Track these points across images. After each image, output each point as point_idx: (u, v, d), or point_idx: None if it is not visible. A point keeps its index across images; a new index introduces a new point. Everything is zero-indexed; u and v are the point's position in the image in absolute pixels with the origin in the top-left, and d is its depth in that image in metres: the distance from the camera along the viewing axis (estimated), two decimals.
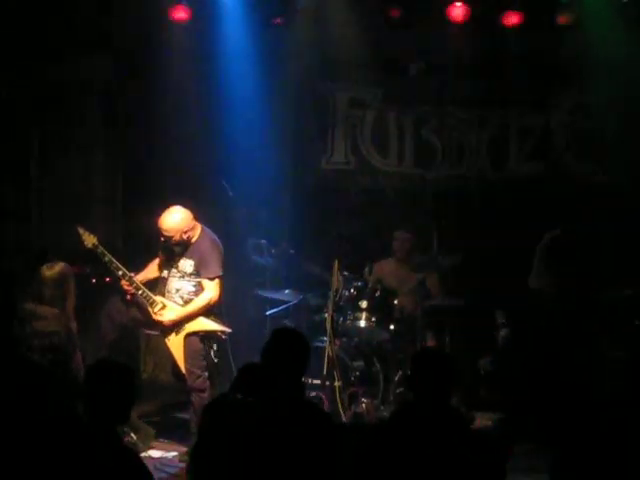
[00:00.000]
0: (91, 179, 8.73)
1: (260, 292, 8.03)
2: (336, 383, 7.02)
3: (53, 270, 6.43)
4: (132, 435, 6.54)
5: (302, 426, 3.94)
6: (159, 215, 6.71)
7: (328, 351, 6.93)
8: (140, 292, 6.71)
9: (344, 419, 6.94)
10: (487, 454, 4.07)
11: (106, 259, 6.68)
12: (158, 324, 6.73)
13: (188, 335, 6.70)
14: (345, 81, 9.17)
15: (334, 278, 7.18)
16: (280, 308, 7.82)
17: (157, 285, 6.87)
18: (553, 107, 9.00)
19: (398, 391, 7.30)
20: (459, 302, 7.58)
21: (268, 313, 7.84)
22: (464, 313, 7.59)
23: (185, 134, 8.63)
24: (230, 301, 7.05)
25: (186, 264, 6.74)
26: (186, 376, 6.68)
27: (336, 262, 7.17)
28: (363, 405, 7.15)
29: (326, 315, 7.16)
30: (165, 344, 6.79)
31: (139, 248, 7.75)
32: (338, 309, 7.42)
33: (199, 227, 6.80)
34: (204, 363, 6.72)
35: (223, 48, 8.55)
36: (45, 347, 6.04)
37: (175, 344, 6.72)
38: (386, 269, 8.03)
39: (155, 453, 6.71)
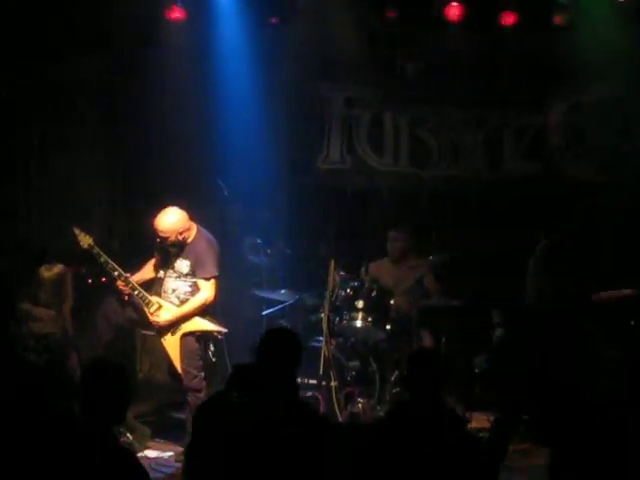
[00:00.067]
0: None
1: (256, 292, 8.03)
2: (332, 383, 7.02)
3: (52, 271, 6.45)
4: (128, 435, 6.55)
5: (294, 426, 3.93)
6: (155, 216, 6.71)
7: (324, 351, 6.93)
8: (136, 292, 6.71)
9: (340, 419, 6.95)
10: (481, 454, 4.08)
11: (102, 260, 6.68)
12: (154, 324, 6.74)
13: (184, 335, 6.71)
14: (341, 81, 9.18)
15: (330, 278, 7.18)
16: (276, 308, 7.82)
17: (153, 285, 6.87)
18: (549, 107, 9.01)
19: (394, 391, 7.30)
20: (455, 302, 7.58)
21: (264, 313, 7.84)
22: (460, 313, 7.59)
23: (181, 134, 8.62)
24: (226, 301, 7.05)
25: (182, 264, 6.74)
26: (182, 376, 6.69)
27: (332, 262, 7.17)
28: (359, 405, 7.15)
29: (322, 315, 7.16)
30: (161, 344, 6.79)
31: (135, 248, 7.74)
32: (334, 309, 7.42)
33: (195, 227, 6.80)
34: (200, 363, 6.73)
35: (220, 48, 8.56)
36: (41, 348, 6.05)
37: (171, 344, 6.72)
38: (382, 269, 8.02)
39: (151, 453, 6.72)
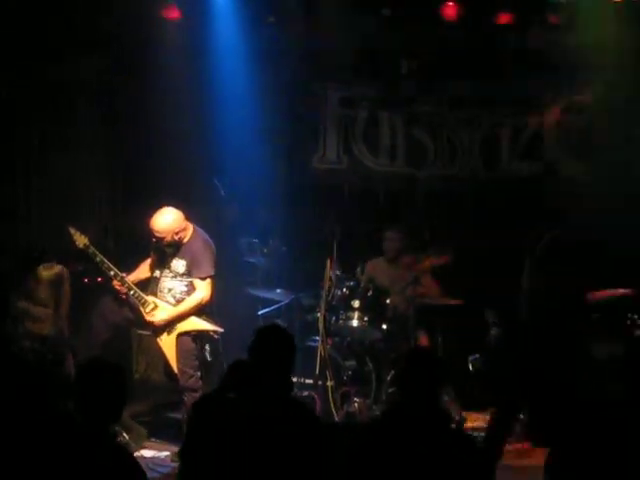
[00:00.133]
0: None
1: (252, 291, 8.03)
2: (328, 382, 7.03)
3: (50, 271, 6.44)
4: (124, 435, 6.54)
5: (287, 424, 3.94)
6: (151, 215, 6.71)
7: (320, 351, 6.94)
8: (132, 292, 6.71)
9: (336, 418, 6.96)
10: (477, 453, 4.09)
11: (97, 259, 6.68)
12: (150, 324, 6.73)
13: (180, 335, 6.71)
14: (337, 80, 9.17)
15: (326, 277, 7.19)
16: (272, 308, 7.82)
17: (149, 285, 6.88)
18: (546, 107, 9.02)
19: (390, 390, 7.29)
20: (451, 301, 7.58)
21: (260, 313, 7.84)
22: (456, 312, 7.60)
23: (177, 133, 8.61)
24: (222, 300, 7.05)
25: (178, 264, 6.75)
26: (178, 376, 6.69)
27: (328, 261, 7.18)
28: (355, 404, 7.16)
29: (318, 314, 7.18)
30: (157, 344, 6.80)
31: (130, 248, 7.74)
32: (330, 308, 7.43)
33: (191, 227, 6.80)
34: (196, 363, 6.73)
35: (215, 46, 8.55)
36: (37, 349, 6.04)
37: (167, 344, 6.72)
38: (378, 268, 8.03)
39: (147, 453, 6.72)
